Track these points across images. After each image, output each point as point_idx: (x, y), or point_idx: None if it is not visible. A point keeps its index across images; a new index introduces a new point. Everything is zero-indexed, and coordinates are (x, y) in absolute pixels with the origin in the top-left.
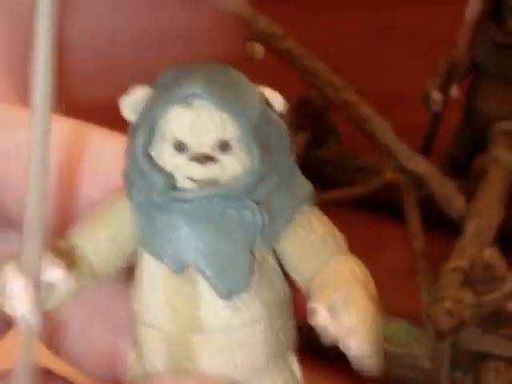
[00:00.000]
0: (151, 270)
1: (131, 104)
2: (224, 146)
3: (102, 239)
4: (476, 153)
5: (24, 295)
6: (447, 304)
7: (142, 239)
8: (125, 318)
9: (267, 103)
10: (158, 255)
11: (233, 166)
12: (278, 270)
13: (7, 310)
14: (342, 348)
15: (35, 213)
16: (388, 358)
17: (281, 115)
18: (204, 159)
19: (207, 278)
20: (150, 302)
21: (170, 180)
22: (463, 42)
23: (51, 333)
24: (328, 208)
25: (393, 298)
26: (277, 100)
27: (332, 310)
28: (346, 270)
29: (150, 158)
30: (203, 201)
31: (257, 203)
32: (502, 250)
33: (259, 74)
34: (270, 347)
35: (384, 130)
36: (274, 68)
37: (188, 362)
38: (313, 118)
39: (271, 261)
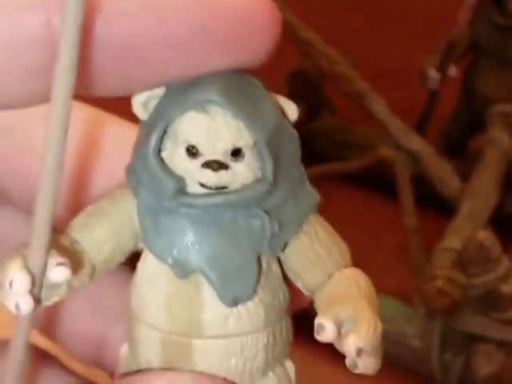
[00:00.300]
0: (152, 269)
1: (143, 102)
2: (237, 154)
3: (104, 235)
4: (473, 132)
5: (23, 292)
6: (439, 283)
7: (143, 237)
8: (114, 305)
9: (281, 111)
10: (163, 256)
11: (244, 174)
12: (281, 276)
13: (3, 300)
14: (348, 364)
15: (46, 209)
16: None
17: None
18: (217, 166)
19: (212, 284)
20: (149, 301)
21: (180, 184)
22: (463, 22)
23: (41, 315)
24: (319, 182)
25: (383, 276)
26: (291, 108)
27: (340, 327)
28: (352, 284)
29: (161, 160)
30: (213, 207)
31: (267, 212)
32: (497, 233)
33: None
34: (269, 353)
35: (379, 106)
36: None
37: (184, 364)
38: (307, 89)
39: (275, 268)
